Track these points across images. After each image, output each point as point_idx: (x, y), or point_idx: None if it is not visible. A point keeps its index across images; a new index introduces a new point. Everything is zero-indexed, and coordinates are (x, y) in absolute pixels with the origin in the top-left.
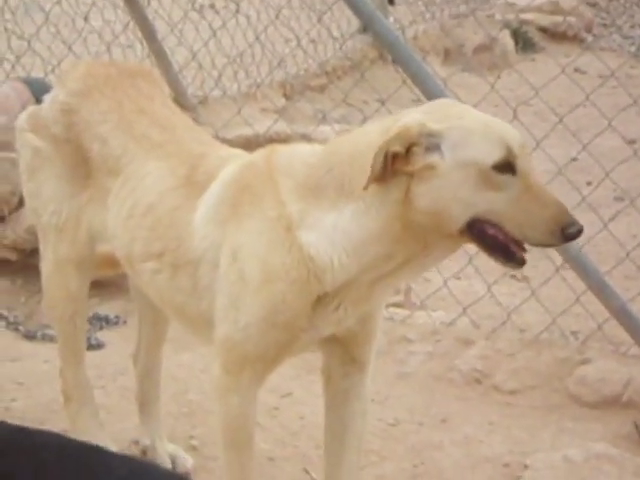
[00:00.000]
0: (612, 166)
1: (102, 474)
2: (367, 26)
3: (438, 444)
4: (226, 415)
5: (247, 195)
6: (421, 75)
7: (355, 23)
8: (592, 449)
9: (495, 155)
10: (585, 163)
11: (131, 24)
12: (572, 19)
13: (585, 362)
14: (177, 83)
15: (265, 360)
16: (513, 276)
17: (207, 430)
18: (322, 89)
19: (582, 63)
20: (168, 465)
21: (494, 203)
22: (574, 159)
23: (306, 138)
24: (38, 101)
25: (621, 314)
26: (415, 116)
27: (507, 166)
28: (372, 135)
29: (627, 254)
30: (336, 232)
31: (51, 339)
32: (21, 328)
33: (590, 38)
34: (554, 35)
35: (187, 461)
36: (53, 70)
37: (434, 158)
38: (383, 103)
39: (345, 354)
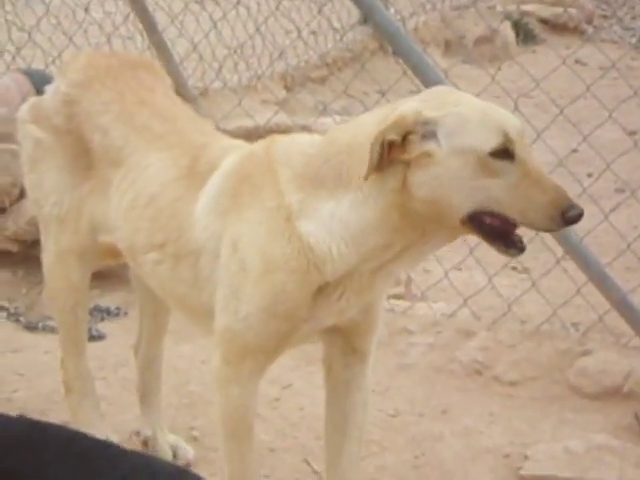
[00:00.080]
0: (613, 158)
1: (106, 470)
2: (367, 17)
3: (439, 435)
4: (226, 406)
5: (247, 185)
6: (422, 66)
7: (355, 14)
8: (593, 440)
9: (492, 142)
10: (586, 155)
11: (132, 15)
12: (573, 11)
13: (586, 353)
14: (178, 75)
15: (266, 350)
16: (514, 267)
17: (208, 421)
18: (323, 80)
19: (583, 55)
20: (169, 456)
21: (493, 190)
22: (575, 151)
23: (307, 130)
24: (39, 93)
25: (622, 305)
26: (411, 104)
27: (505, 152)
28: (369, 125)
29: (628, 246)
30: (334, 222)
31: (52, 330)
32: (22, 319)
33: (591, 30)
34: (555, 27)
35: (188, 452)
36: (54, 62)
37: (431, 146)
38: (384, 94)
39: (346, 345)
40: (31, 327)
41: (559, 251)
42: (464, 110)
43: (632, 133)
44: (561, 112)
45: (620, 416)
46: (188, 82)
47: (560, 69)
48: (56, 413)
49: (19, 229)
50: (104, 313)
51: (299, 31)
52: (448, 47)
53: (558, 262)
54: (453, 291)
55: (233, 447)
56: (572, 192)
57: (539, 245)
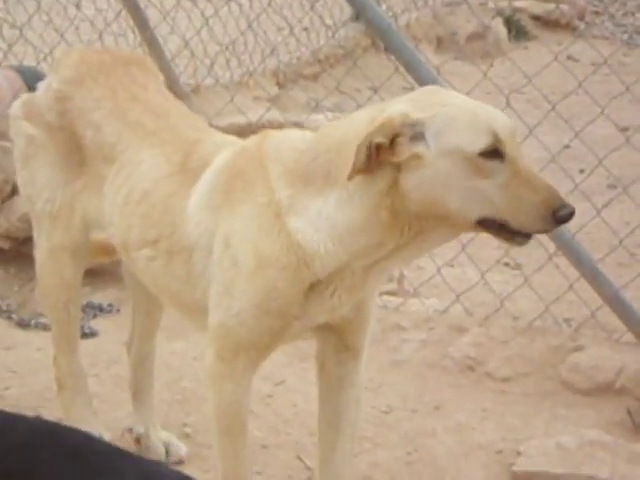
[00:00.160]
0: (605, 154)
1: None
2: (360, 14)
3: (431, 431)
4: (220, 402)
5: (239, 181)
6: (414, 63)
7: (348, 11)
8: (585, 436)
9: (481, 142)
10: (578, 151)
11: (123, 12)
12: (565, 7)
13: (578, 349)
14: (169, 71)
15: (258, 347)
16: (506, 264)
17: (201, 418)
18: (315, 77)
19: (575, 51)
20: (162, 453)
21: (484, 190)
22: (567, 147)
23: (299, 126)
24: (30, 89)
25: (614, 301)
26: (399, 106)
27: (494, 153)
28: (359, 124)
29: (620, 241)
30: (321, 219)
31: (44, 327)
32: (14, 316)
33: (583, 26)
34: (547, 23)
35: (181, 449)
36: (45, 58)
37: (419, 148)
38: (376, 91)
39: (339, 341)
40: (23, 324)
41: (551, 247)
42: (452, 110)
43: (624, 129)
44: (553, 108)
45: (612, 412)
46: (180, 79)
47: (552, 65)
48: (49, 410)
49: (11, 226)
50: (96, 310)
51: (291, 28)
52: (440, 44)
53: (550, 258)
54: (446, 287)
55: (226, 443)
56: (564, 188)
57: (532, 241)
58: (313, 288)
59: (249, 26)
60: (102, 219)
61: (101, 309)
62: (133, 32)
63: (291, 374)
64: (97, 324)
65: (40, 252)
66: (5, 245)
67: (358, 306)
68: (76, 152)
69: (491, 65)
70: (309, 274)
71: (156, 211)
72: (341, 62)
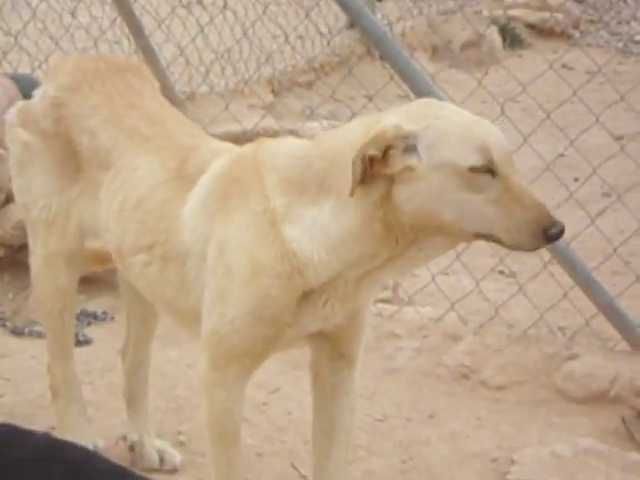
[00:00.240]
0: (599, 162)
1: None
2: (355, 22)
3: (426, 439)
4: (212, 410)
5: (235, 188)
6: (409, 71)
7: (343, 19)
8: (580, 444)
9: (472, 159)
10: (572, 159)
11: (118, 20)
12: (559, 15)
13: (573, 357)
14: (164, 79)
15: (252, 354)
16: (501, 272)
17: (195, 425)
18: (310, 85)
19: (569, 59)
20: (156, 461)
21: (476, 205)
22: (561, 155)
23: (294, 134)
24: (25, 97)
25: (608, 310)
26: (392, 118)
27: (485, 168)
28: (354, 134)
29: (614, 250)
30: (315, 229)
31: (38, 335)
32: (8, 324)
33: (577, 34)
34: (541, 31)
35: (175, 457)
36: (40, 66)
37: (412, 160)
38: (371, 99)
39: (333, 349)
40: (17, 332)
41: (546, 255)
42: (445, 123)
43: (619, 138)
44: (548, 116)
45: (607, 420)
46: (175, 86)
47: (547, 74)
48: (43, 418)
49: (5, 234)
50: (91, 318)
51: (286, 35)
52: (435, 52)
53: (545, 266)
54: (440, 295)
55: (220, 451)
56: (559, 197)
57: None
58: (306, 297)
59: (244, 34)
60: (98, 226)
61: (95, 317)
62: (128, 40)
63: (285, 382)
64: (91, 332)
65: (35, 259)
66: None
67: (352, 314)
68: (72, 159)
69: (486, 73)
70: (302, 283)
71: (152, 217)
72: (336, 70)
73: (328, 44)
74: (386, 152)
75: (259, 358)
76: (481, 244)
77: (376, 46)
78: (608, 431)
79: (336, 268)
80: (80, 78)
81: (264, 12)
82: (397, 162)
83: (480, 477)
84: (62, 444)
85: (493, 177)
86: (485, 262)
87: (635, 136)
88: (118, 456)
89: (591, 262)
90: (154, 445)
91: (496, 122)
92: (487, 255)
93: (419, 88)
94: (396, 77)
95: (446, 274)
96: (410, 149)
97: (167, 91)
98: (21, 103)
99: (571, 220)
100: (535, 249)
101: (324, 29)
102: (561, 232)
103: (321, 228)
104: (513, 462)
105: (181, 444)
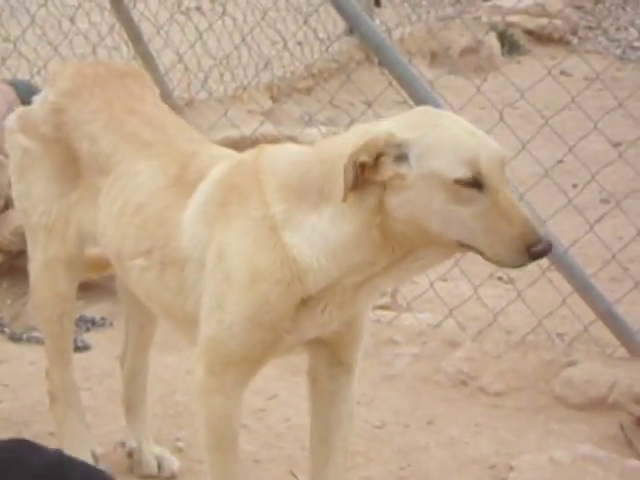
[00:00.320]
0: (598, 168)
1: None
2: (353, 28)
3: (424, 446)
4: (210, 416)
5: (235, 195)
6: (407, 77)
7: (341, 25)
8: (578, 450)
9: (459, 171)
10: (571, 166)
11: (117, 26)
12: (558, 22)
13: (571, 364)
14: (163, 85)
15: (249, 361)
16: (499, 278)
17: (193, 432)
18: (308, 91)
19: (568, 66)
20: (154, 467)
21: (461, 217)
22: (560, 161)
23: (293, 140)
24: (24, 103)
25: (607, 316)
26: (386, 125)
27: (473, 182)
28: (353, 140)
29: (613, 256)
30: (315, 235)
31: (37, 341)
32: (7, 330)
33: (576, 41)
34: (540, 38)
35: (173, 463)
36: (39, 72)
37: (402, 168)
38: (369, 105)
39: (331, 356)
40: (16, 338)
41: (544, 262)
42: (438, 133)
43: (617, 144)
44: (546, 123)
45: (605, 426)
46: (174, 93)
47: (545, 80)
48: (41, 424)
49: (4, 240)
50: (89, 324)
51: (285, 42)
52: (434, 58)
53: (543, 273)
54: (439, 302)
55: (217, 458)
56: (557, 203)
57: None
58: (305, 303)
59: (243, 40)
60: (97, 231)
61: (94, 323)
62: (127, 46)
63: (283, 388)
64: (90, 338)
65: (35, 265)
66: None
67: (351, 321)
68: (72, 164)
69: (484, 79)
70: (301, 289)
71: (151, 223)
72: (335, 76)
73: (327, 50)
74: (377, 159)
75: (257, 364)
76: None
77: (375, 52)
78: (606, 437)
79: (335, 275)
80: (80, 84)
81: (263, 18)
82: (387, 169)
83: None
84: (74, 462)
85: (481, 190)
86: (483, 268)
87: (633, 142)
88: (116, 462)
89: (590, 268)
90: (152, 451)
91: (495, 128)
92: (485, 261)
93: (418, 94)
94: (395, 83)
95: (444, 280)
96: (402, 157)
97: (166, 97)
98: (21, 109)
99: (569, 226)
100: (519, 266)
101: (323, 35)
102: (546, 250)
103: (320, 234)
104: (511, 468)
105: (179, 450)
